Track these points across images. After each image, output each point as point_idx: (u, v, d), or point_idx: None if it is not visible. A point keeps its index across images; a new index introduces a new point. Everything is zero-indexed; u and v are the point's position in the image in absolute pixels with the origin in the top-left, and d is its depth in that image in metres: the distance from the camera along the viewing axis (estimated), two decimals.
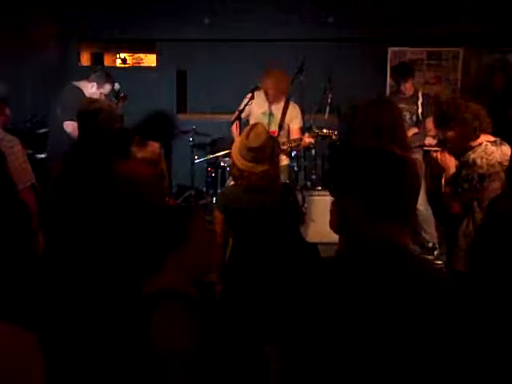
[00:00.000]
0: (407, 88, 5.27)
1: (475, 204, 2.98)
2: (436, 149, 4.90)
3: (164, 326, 1.77)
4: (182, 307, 1.80)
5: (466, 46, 6.81)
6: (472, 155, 3.01)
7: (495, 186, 2.94)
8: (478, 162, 2.97)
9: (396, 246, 1.35)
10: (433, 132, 4.94)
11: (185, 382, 1.73)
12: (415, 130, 5.16)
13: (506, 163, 2.94)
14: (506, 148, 3.06)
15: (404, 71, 5.33)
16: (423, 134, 5.18)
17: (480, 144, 3.04)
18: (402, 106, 5.01)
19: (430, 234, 5.12)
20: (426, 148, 5.06)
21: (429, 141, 4.95)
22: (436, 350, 1.27)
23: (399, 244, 1.36)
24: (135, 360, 1.79)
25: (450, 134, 3.11)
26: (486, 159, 2.97)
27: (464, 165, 3.05)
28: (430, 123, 4.86)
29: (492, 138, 3.08)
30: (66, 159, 2.97)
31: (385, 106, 3.15)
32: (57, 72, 6.84)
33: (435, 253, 5.05)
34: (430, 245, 5.09)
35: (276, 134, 4.70)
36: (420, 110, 5.21)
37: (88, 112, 2.78)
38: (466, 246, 2.93)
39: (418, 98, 5.25)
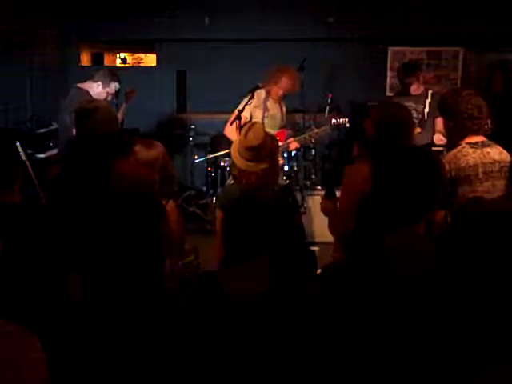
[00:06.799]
0: (413, 87, 5.18)
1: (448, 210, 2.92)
2: (438, 149, 4.89)
3: None
4: None
5: (465, 46, 6.81)
6: (443, 160, 2.90)
7: (466, 190, 2.85)
8: (447, 167, 2.86)
9: None
10: (443, 131, 4.84)
11: None
12: (418, 129, 5.12)
13: (488, 167, 2.87)
14: (490, 150, 2.93)
15: (410, 68, 5.25)
16: (427, 134, 5.12)
17: (458, 145, 2.93)
18: (409, 104, 4.94)
19: None
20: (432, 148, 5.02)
21: (437, 137, 4.80)
22: None
23: None
24: None
25: (446, 125, 3.07)
26: (455, 163, 2.86)
27: None
28: (440, 123, 4.77)
29: (475, 140, 2.94)
30: (62, 159, 2.96)
31: (391, 109, 2.98)
32: (57, 72, 6.84)
33: None
34: None
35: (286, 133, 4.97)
36: (427, 110, 5.11)
37: (84, 112, 2.76)
38: None
39: (426, 97, 5.16)
